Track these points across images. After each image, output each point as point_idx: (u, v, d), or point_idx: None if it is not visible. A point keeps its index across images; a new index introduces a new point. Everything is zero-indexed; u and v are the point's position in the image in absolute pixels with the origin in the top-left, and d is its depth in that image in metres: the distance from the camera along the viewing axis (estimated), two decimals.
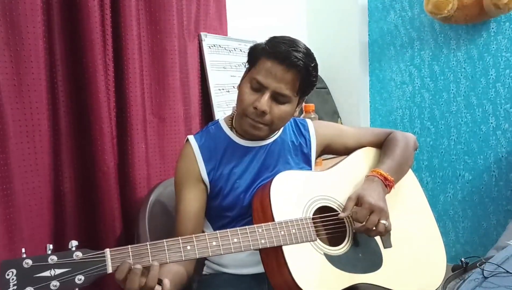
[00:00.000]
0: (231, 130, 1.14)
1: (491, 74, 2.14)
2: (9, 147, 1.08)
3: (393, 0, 2.37)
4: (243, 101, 1.04)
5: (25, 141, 1.13)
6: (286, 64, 1.00)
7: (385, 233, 1.05)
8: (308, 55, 1.03)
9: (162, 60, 1.50)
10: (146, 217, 1.22)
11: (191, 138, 1.14)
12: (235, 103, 1.10)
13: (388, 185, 1.10)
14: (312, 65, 1.04)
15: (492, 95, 2.15)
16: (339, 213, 1.07)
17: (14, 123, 1.10)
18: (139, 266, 0.81)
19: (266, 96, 1.02)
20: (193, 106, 1.65)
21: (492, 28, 2.12)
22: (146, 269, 0.83)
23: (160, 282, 0.85)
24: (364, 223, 1.01)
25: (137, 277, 0.81)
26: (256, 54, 1.05)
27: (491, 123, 2.16)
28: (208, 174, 1.11)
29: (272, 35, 1.07)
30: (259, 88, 1.03)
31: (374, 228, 1.01)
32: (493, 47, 2.12)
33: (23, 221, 1.11)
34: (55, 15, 1.20)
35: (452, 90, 2.26)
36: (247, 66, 1.10)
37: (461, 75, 2.23)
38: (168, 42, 1.50)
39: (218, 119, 1.19)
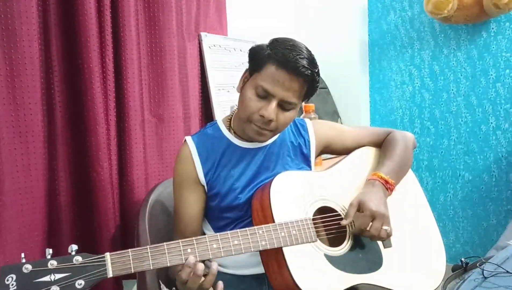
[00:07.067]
0: (229, 131, 1.14)
1: (491, 74, 2.14)
2: (1, 148, 1.08)
3: (393, 0, 2.37)
4: (249, 108, 1.03)
5: (17, 141, 1.13)
6: (294, 73, 0.99)
7: (387, 239, 1.05)
8: (312, 61, 1.02)
9: (161, 60, 1.50)
10: (146, 217, 1.22)
11: (188, 139, 1.13)
12: (234, 104, 1.10)
13: (388, 188, 1.10)
14: (317, 71, 1.03)
15: (492, 95, 2.15)
16: (339, 214, 1.07)
17: (6, 123, 1.10)
18: (201, 267, 0.87)
19: (273, 104, 1.00)
20: (192, 106, 1.65)
21: (492, 28, 2.12)
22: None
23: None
24: (367, 229, 1.01)
25: (199, 279, 0.88)
26: (260, 59, 1.02)
27: (491, 123, 2.16)
28: (205, 175, 1.10)
29: (273, 37, 1.06)
30: (265, 96, 1.01)
31: (377, 234, 1.01)
32: (493, 47, 2.12)
33: (13, 220, 1.11)
34: (51, 16, 1.20)
35: (452, 90, 2.26)
36: (248, 67, 1.08)
37: (461, 75, 2.23)
38: (167, 42, 1.50)
39: (216, 120, 1.19)
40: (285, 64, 0.99)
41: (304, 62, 0.99)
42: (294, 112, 1.05)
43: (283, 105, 1.02)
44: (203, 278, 0.90)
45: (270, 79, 1.00)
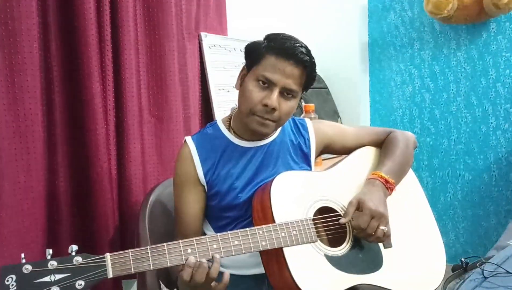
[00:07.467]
0: (229, 131, 1.14)
1: (491, 74, 2.14)
2: (0, 148, 1.08)
3: (393, 0, 2.37)
4: (252, 99, 1.03)
5: (17, 141, 1.13)
6: (294, 60, 1.01)
7: (384, 239, 1.05)
8: (309, 50, 1.06)
9: (160, 60, 1.50)
10: (146, 218, 1.22)
11: (188, 139, 1.13)
12: (235, 104, 1.10)
13: (389, 188, 1.10)
14: (314, 60, 1.06)
15: (492, 95, 2.15)
16: (339, 215, 1.07)
17: (6, 123, 1.11)
18: (205, 260, 0.88)
19: (276, 93, 1.02)
20: (192, 106, 1.65)
21: (492, 28, 2.11)
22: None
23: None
24: (364, 228, 1.01)
25: (205, 271, 0.88)
26: (259, 52, 1.04)
27: (491, 123, 2.16)
28: (205, 175, 1.10)
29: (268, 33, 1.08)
30: (267, 86, 1.03)
31: (373, 233, 1.02)
32: (493, 47, 2.12)
33: (13, 220, 1.12)
34: (51, 16, 1.20)
35: (452, 90, 2.26)
36: (245, 64, 1.09)
37: (461, 75, 2.23)
38: (166, 42, 1.50)
39: (215, 120, 1.19)
40: (284, 52, 1.01)
41: (302, 49, 1.02)
42: (295, 101, 1.07)
43: (284, 94, 1.04)
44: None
45: (271, 68, 1.02)
